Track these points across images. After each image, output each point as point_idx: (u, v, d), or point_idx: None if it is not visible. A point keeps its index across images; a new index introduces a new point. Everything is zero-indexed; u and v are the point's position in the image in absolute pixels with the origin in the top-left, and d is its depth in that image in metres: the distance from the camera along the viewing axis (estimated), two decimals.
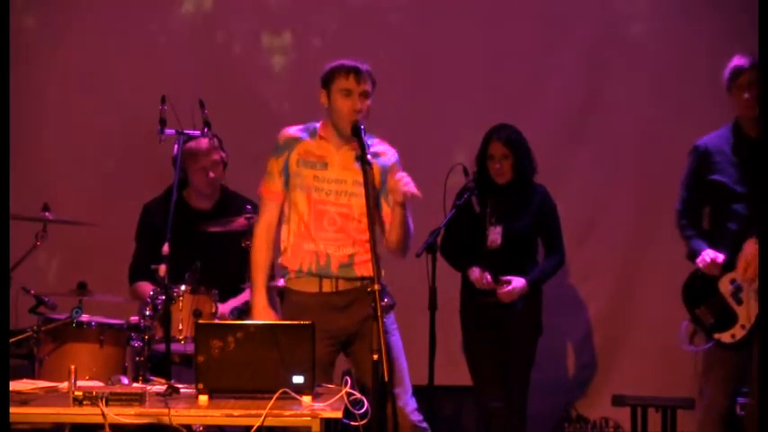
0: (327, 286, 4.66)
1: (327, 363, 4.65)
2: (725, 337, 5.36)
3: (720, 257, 5.35)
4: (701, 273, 5.41)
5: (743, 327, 5.30)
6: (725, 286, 5.38)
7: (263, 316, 4.66)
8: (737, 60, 5.44)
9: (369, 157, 4.49)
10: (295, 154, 4.71)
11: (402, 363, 4.68)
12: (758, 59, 5.04)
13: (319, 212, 4.67)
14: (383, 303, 4.63)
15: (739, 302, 5.35)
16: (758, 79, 5.29)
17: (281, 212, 4.77)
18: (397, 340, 4.69)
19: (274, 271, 5.00)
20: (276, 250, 4.79)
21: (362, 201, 4.53)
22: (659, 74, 6.95)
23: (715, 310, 5.38)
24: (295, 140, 4.74)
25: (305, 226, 4.68)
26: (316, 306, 4.63)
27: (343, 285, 4.66)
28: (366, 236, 4.50)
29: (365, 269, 4.62)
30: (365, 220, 4.50)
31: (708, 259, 5.35)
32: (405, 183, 4.53)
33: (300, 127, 4.79)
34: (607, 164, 7.00)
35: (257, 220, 4.84)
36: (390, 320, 4.70)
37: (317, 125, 4.77)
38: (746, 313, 5.31)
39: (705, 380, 5.45)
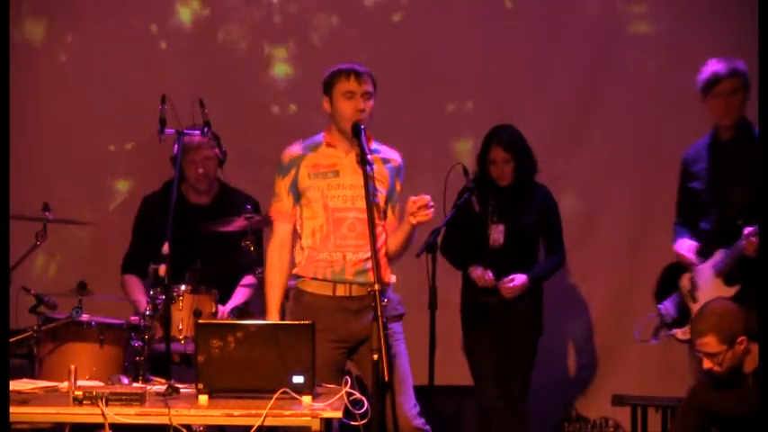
0: (341, 290, 4.62)
1: (337, 366, 4.61)
2: (679, 333, 5.36)
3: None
4: (674, 265, 5.41)
5: None
6: (684, 282, 5.36)
7: None
8: (714, 66, 5.38)
9: (369, 157, 4.49)
10: (304, 168, 4.67)
11: (404, 369, 4.63)
12: (759, 59, 5.02)
13: (338, 220, 4.63)
14: (395, 313, 4.64)
15: (694, 300, 5.34)
16: (736, 87, 5.26)
17: (294, 231, 4.72)
18: (403, 348, 4.66)
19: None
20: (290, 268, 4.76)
21: (377, 203, 4.55)
22: (659, 74, 6.95)
23: (678, 305, 5.38)
24: (300, 158, 4.69)
25: (322, 237, 4.63)
26: (329, 308, 4.60)
27: (357, 291, 4.60)
28: (384, 238, 4.61)
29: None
30: (381, 222, 4.59)
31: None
32: (425, 214, 4.46)
33: (300, 144, 4.75)
34: (607, 164, 7.00)
35: (270, 240, 4.78)
36: (399, 329, 4.68)
37: (319, 137, 4.74)
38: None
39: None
